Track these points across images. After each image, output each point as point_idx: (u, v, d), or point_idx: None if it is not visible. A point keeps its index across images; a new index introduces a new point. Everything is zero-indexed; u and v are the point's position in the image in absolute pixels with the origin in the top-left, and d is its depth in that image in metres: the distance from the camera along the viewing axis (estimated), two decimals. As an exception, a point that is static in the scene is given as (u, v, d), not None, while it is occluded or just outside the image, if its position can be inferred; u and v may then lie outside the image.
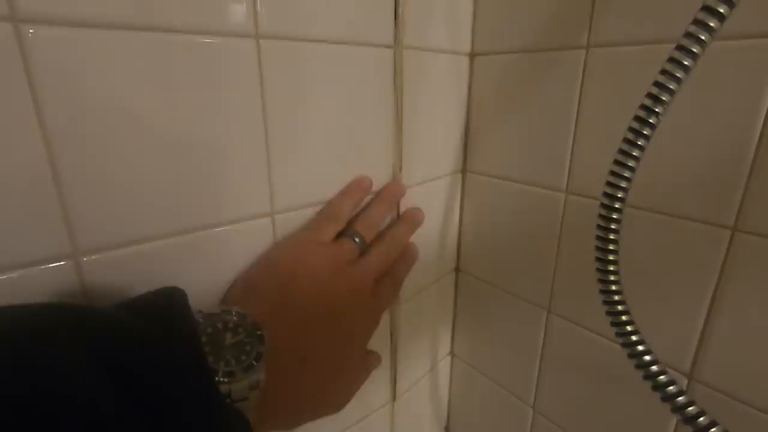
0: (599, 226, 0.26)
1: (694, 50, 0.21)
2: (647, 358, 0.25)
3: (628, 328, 0.25)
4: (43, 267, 0.21)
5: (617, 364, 0.36)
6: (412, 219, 0.38)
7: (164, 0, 0.21)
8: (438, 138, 0.41)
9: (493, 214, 0.44)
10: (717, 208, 0.28)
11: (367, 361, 0.34)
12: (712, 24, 0.21)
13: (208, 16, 0.23)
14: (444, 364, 0.54)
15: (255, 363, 0.22)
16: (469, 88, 0.42)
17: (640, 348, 0.25)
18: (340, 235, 0.32)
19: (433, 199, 0.43)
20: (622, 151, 0.24)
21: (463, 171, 0.45)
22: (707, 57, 0.21)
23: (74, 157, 0.20)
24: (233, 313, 0.23)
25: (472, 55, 0.41)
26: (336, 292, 0.29)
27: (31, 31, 0.18)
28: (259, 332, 0.23)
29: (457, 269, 0.50)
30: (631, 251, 0.32)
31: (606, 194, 0.25)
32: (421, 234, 0.40)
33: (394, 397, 0.46)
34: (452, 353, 0.54)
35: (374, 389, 0.43)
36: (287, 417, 0.26)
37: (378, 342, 0.42)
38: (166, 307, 0.21)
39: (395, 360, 0.44)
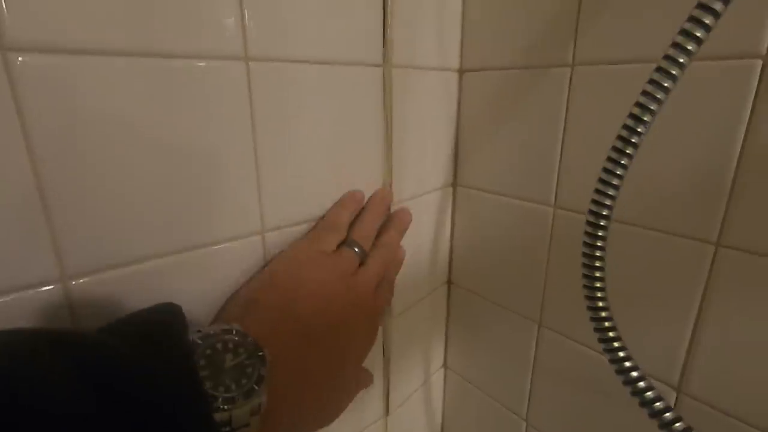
0: (585, 243, 0.26)
1: (673, 72, 0.22)
2: (634, 374, 0.25)
3: (615, 344, 0.26)
4: (31, 291, 0.20)
5: (608, 378, 0.36)
6: (401, 222, 0.38)
7: (155, 26, 0.22)
8: (428, 153, 0.42)
9: (484, 228, 0.44)
10: (701, 224, 0.28)
11: (360, 377, 0.34)
12: (689, 47, 0.21)
13: (197, 39, 0.23)
14: (437, 377, 0.53)
15: (256, 387, 0.21)
16: (459, 103, 0.43)
17: (627, 364, 0.25)
18: (339, 245, 0.32)
19: (424, 212, 0.43)
20: (606, 170, 0.25)
21: (454, 185, 0.46)
22: (688, 76, 0.22)
23: (64, 182, 0.20)
24: (233, 332, 0.23)
25: (461, 71, 0.42)
26: (341, 304, 0.29)
27: (20, 59, 0.18)
28: (260, 353, 0.22)
29: (449, 282, 0.50)
30: (619, 266, 0.32)
31: (591, 212, 0.25)
32: (413, 247, 0.41)
33: (387, 411, 0.46)
34: (445, 365, 0.54)
35: (367, 404, 0.43)
36: None
37: (371, 355, 0.42)
38: (161, 330, 0.20)
39: (388, 373, 0.44)
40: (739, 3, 0.21)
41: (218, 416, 0.19)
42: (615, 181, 0.25)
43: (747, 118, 0.25)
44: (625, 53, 0.30)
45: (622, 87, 0.30)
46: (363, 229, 0.34)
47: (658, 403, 0.24)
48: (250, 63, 0.25)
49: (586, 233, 0.26)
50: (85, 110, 0.20)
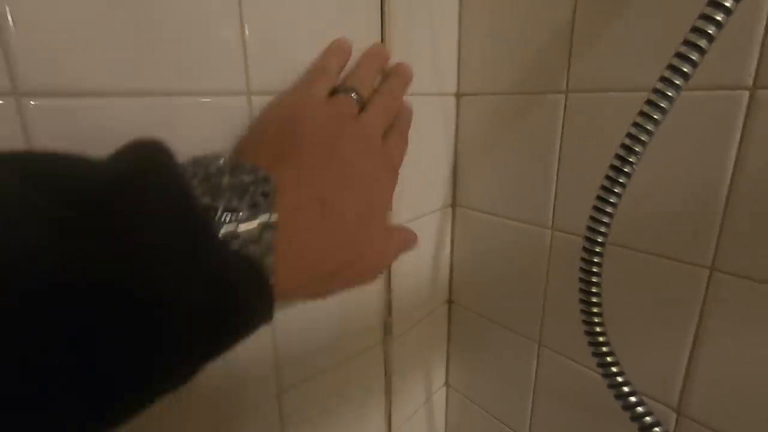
0: (582, 269, 0.27)
1: (662, 105, 0.23)
2: (633, 399, 0.25)
3: (614, 369, 0.26)
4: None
5: (609, 399, 0.36)
6: (402, 72, 0.33)
7: (163, 68, 0.22)
8: (427, 175, 0.42)
9: (483, 248, 0.45)
10: (695, 249, 0.29)
11: (396, 234, 0.30)
12: (677, 81, 0.22)
13: (204, 77, 0.24)
14: (439, 396, 0.53)
15: (263, 199, 0.18)
16: (457, 126, 0.44)
17: (626, 389, 0.26)
18: (333, 92, 0.28)
19: (424, 233, 0.44)
20: (600, 198, 0.25)
21: (453, 206, 0.46)
22: (680, 105, 0.23)
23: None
24: (222, 160, 0.20)
25: (459, 95, 0.43)
26: (343, 140, 0.25)
27: (32, 103, 0.19)
28: (263, 173, 0.19)
29: (449, 301, 0.50)
30: (616, 288, 0.33)
31: (587, 238, 0.26)
32: (414, 265, 0.41)
33: (390, 431, 0.46)
34: (447, 384, 0.54)
35: (369, 424, 0.43)
36: (313, 274, 0.22)
37: (373, 375, 0.42)
38: (139, 150, 0.17)
39: (390, 392, 0.44)
40: (726, 39, 0.22)
41: (222, 231, 0.17)
42: (609, 209, 0.25)
43: (737, 146, 0.26)
44: (617, 82, 0.31)
45: (616, 113, 0.31)
46: (357, 76, 0.30)
47: (656, 429, 0.24)
48: (252, 97, 0.26)
49: (582, 258, 0.26)
50: (94, 145, 0.21)
